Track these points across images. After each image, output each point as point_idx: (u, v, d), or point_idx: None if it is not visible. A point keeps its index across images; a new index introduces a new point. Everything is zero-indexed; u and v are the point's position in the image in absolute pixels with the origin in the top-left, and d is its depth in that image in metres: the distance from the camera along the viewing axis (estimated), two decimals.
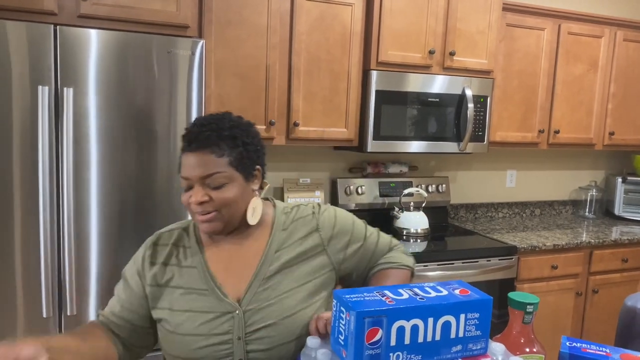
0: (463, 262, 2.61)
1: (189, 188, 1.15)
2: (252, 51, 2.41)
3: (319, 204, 1.32)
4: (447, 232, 3.03)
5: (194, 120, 1.20)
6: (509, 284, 2.74)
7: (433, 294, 0.98)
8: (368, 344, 0.90)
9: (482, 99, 2.86)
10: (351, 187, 2.97)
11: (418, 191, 2.96)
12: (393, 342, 0.91)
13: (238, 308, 1.15)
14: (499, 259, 2.70)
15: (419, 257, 2.53)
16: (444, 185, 3.20)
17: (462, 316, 0.96)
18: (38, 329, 1.91)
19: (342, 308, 0.93)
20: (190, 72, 2.02)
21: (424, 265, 2.53)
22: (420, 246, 2.69)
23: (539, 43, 3.05)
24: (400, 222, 2.87)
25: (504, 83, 3.01)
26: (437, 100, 2.75)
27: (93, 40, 1.87)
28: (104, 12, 2.05)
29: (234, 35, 2.37)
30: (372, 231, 1.36)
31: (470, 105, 2.77)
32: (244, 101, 2.43)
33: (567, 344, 1.03)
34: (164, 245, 1.24)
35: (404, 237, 2.81)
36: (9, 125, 1.80)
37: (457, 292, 1.00)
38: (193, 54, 2.01)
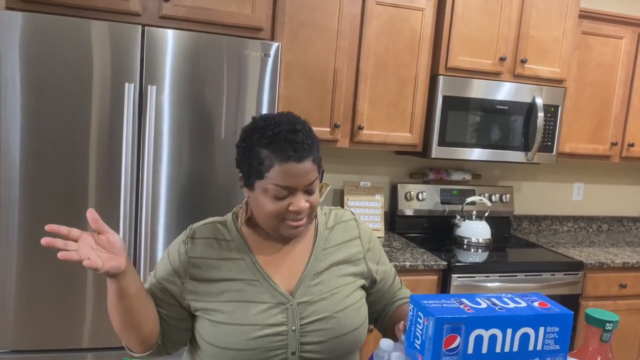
0: (526, 275, 2.54)
1: (283, 197, 1.11)
2: (322, 53, 2.44)
3: (351, 212, 1.35)
4: (510, 244, 2.96)
5: (276, 120, 1.11)
6: (572, 301, 2.64)
7: (511, 305, 0.97)
8: (445, 351, 0.90)
9: (552, 109, 2.78)
10: (411, 192, 2.95)
11: (481, 200, 2.91)
12: (470, 351, 0.91)
13: (291, 299, 1.15)
14: (564, 274, 2.61)
15: (480, 268, 2.48)
16: (507, 195, 3.12)
17: (542, 329, 0.95)
18: None
19: (419, 313, 0.93)
20: (262, 73, 2.06)
21: (485, 276, 2.48)
22: (481, 256, 2.64)
23: (616, 52, 2.93)
24: (462, 230, 2.82)
25: (576, 93, 2.91)
26: (506, 107, 2.69)
27: (170, 40, 1.94)
28: (183, 13, 2.13)
29: (304, 37, 2.40)
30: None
31: (541, 115, 2.69)
32: (310, 103, 2.46)
33: None
34: (202, 238, 1.20)
35: (465, 247, 2.76)
36: (91, 118, 1.89)
37: (536, 304, 0.98)
38: (266, 55, 2.05)
